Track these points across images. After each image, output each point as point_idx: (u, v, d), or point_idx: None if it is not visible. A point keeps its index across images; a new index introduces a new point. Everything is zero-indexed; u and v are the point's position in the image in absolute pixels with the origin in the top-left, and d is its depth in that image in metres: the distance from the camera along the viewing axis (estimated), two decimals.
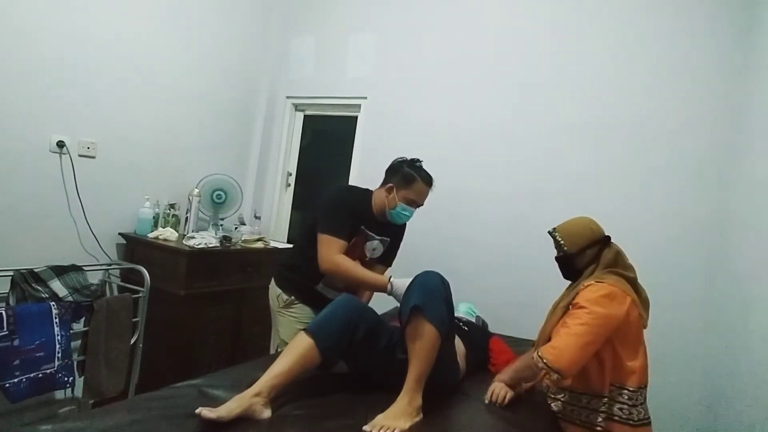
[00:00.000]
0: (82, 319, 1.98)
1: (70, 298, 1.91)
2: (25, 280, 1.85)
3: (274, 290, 1.90)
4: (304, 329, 1.37)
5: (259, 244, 2.66)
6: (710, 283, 2.03)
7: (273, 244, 2.81)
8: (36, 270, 1.90)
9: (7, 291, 1.84)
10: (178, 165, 2.64)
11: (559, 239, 1.52)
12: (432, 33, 2.71)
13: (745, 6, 2.03)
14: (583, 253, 1.48)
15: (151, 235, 2.38)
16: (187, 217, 2.59)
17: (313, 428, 1.18)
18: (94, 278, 2.17)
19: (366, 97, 2.90)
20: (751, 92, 1.97)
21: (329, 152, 3.25)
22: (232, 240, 2.53)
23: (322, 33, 3.06)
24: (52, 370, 1.79)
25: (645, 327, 1.41)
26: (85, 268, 2.08)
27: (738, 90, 2.02)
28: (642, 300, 1.42)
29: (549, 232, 1.56)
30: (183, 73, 2.61)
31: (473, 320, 2.04)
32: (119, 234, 2.39)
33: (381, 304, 1.83)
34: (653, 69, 2.19)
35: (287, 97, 3.18)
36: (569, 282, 1.56)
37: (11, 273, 1.85)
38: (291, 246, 2.81)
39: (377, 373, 1.48)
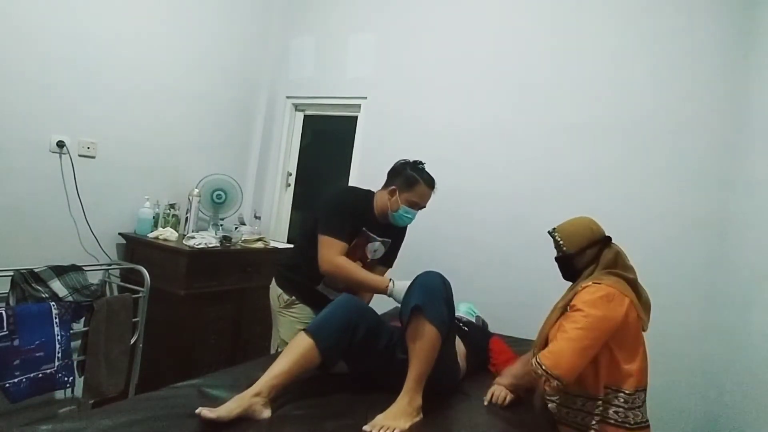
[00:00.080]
0: (82, 319, 1.98)
1: (70, 298, 1.91)
2: (25, 280, 1.85)
3: (274, 290, 1.90)
4: (304, 329, 1.37)
5: (259, 244, 2.66)
6: (710, 283, 2.03)
7: (273, 244, 2.81)
8: (36, 270, 1.90)
9: (7, 291, 1.84)
10: (178, 165, 2.64)
11: (559, 239, 1.51)
12: (432, 33, 2.71)
13: (745, 6, 2.03)
14: (583, 254, 1.47)
15: (151, 235, 2.38)
16: (187, 217, 2.59)
17: (313, 428, 1.18)
18: (94, 278, 2.17)
19: (366, 97, 2.90)
20: (751, 92, 1.97)
21: (329, 152, 3.25)
22: (232, 240, 2.53)
23: (322, 33, 3.06)
24: (52, 370, 1.78)
25: (644, 330, 1.39)
26: (85, 268, 2.08)
27: (738, 90, 2.02)
28: (642, 302, 1.40)
29: (549, 232, 1.56)
30: (183, 73, 2.61)
31: (473, 320, 2.04)
32: (119, 234, 2.39)
33: (381, 304, 1.83)
34: (653, 69, 2.19)
35: (287, 97, 3.18)
36: (570, 282, 1.55)
37: (11, 273, 1.85)
38: (291, 246, 2.82)
39: (377, 373, 1.48)
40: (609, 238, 1.48)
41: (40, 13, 1.98)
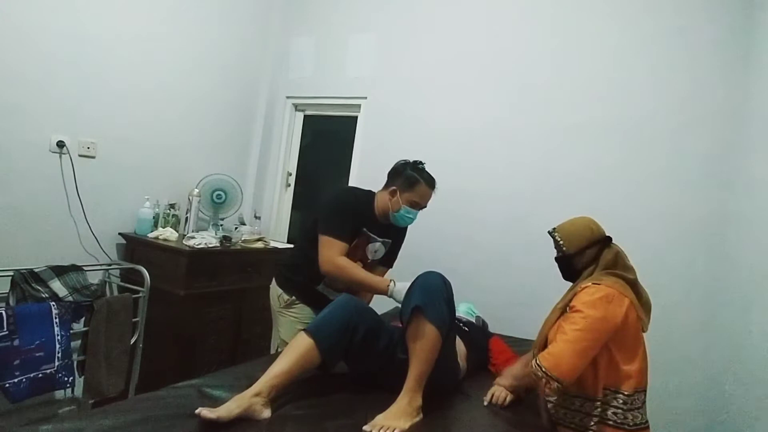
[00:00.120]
0: (82, 319, 1.98)
1: (70, 298, 1.91)
2: (25, 280, 1.85)
3: (275, 290, 1.90)
4: (303, 329, 1.37)
5: (259, 244, 2.66)
6: (710, 283, 2.03)
7: (273, 244, 2.81)
8: (36, 270, 1.90)
9: (7, 291, 1.84)
10: (178, 165, 2.64)
11: (559, 239, 1.50)
12: (432, 33, 2.72)
13: (744, 6, 2.04)
14: (582, 254, 1.46)
15: (151, 235, 2.38)
16: (187, 217, 2.59)
17: (313, 428, 1.18)
18: (94, 278, 2.17)
19: (366, 97, 2.90)
20: (751, 92, 1.97)
21: (329, 152, 3.25)
22: (232, 240, 2.53)
23: (322, 33, 3.06)
24: (52, 370, 1.79)
25: (645, 331, 1.38)
26: (85, 268, 2.08)
27: (738, 90, 2.02)
28: (643, 303, 1.39)
29: (549, 232, 1.55)
30: (183, 73, 2.61)
31: (473, 320, 2.04)
32: (119, 234, 2.39)
33: (381, 304, 1.83)
34: (653, 69, 2.19)
35: (287, 97, 3.18)
36: (570, 283, 1.55)
37: (11, 273, 1.85)
38: (291, 246, 2.82)
39: (377, 373, 1.48)
40: (609, 239, 1.47)
41: (41, 13, 1.98)
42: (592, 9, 2.33)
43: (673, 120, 2.15)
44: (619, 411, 1.31)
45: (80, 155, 2.17)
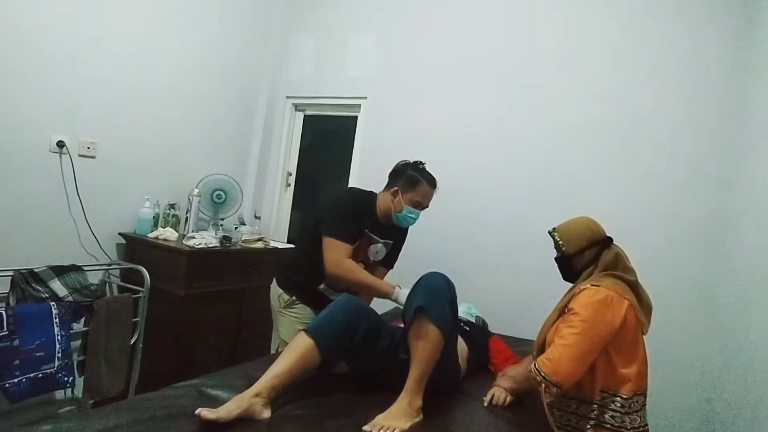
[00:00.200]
0: (82, 319, 1.98)
1: (70, 298, 1.91)
2: (25, 280, 1.85)
3: (275, 290, 1.90)
4: (304, 329, 1.37)
5: (259, 244, 2.66)
6: (710, 283, 2.03)
7: (273, 244, 2.81)
8: (36, 270, 1.89)
9: (7, 291, 1.84)
10: (178, 165, 2.64)
11: (558, 239, 1.49)
12: (432, 33, 2.71)
13: (745, 6, 2.04)
14: (582, 254, 1.45)
15: (151, 235, 2.38)
16: (187, 217, 2.59)
17: (313, 428, 1.18)
18: (94, 278, 2.17)
19: (366, 97, 2.90)
20: (751, 92, 1.97)
21: (329, 152, 3.25)
22: (232, 240, 2.53)
23: (322, 33, 3.06)
24: (52, 370, 1.79)
25: (645, 333, 1.35)
26: (85, 268, 2.08)
27: (738, 90, 2.03)
28: (643, 305, 1.36)
29: (548, 232, 1.54)
30: (183, 73, 2.61)
31: (473, 320, 2.04)
32: (119, 234, 2.39)
33: (382, 304, 1.83)
34: (653, 69, 2.19)
35: (287, 97, 3.18)
36: (570, 283, 1.54)
37: (11, 273, 1.85)
38: (291, 246, 2.83)
39: (377, 374, 1.48)
40: (609, 239, 1.46)
41: (40, 14, 1.98)
42: (592, 9, 2.33)
43: (673, 120, 2.14)
44: (617, 414, 1.29)
45: (80, 155, 2.17)
